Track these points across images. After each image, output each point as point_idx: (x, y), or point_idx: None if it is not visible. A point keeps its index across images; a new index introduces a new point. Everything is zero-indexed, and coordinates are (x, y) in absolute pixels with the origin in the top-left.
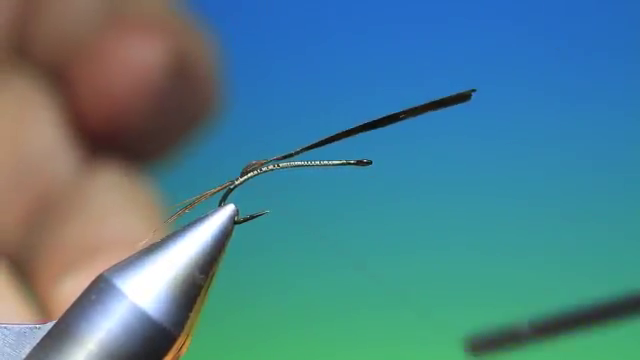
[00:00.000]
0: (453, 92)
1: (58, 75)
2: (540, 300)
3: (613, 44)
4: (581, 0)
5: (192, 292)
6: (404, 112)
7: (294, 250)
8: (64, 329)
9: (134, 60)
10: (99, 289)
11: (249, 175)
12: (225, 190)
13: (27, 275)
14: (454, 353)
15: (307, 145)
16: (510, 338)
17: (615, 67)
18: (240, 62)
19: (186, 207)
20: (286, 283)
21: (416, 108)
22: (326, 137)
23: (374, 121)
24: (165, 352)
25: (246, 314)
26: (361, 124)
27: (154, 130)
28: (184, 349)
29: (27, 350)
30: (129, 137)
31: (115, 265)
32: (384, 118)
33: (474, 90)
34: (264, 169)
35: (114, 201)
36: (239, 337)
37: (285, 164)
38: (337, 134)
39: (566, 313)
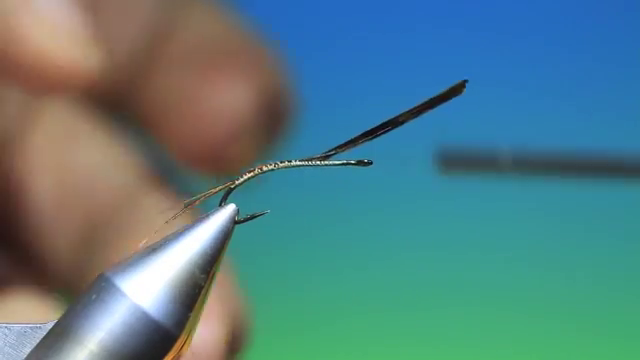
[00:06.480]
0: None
1: (130, 108)
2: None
3: (613, 44)
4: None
5: (193, 292)
6: (402, 115)
7: (294, 250)
8: (64, 328)
9: (228, 105)
10: (100, 288)
11: (249, 175)
12: (226, 190)
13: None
14: (455, 353)
15: (310, 156)
16: (486, 162)
17: (616, 67)
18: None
19: (187, 207)
20: (286, 283)
21: (413, 109)
22: (327, 150)
23: (374, 128)
24: (165, 352)
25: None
26: (361, 133)
27: (236, 161)
28: (185, 349)
29: (28, 350)
30: (212, 170)
31: (116, 264)
32: (383, 124)
33: (466, 81)
34: (264, 169)
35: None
36: None
37: (285, 164)
38: (338, 146)
39: (553, 154)
